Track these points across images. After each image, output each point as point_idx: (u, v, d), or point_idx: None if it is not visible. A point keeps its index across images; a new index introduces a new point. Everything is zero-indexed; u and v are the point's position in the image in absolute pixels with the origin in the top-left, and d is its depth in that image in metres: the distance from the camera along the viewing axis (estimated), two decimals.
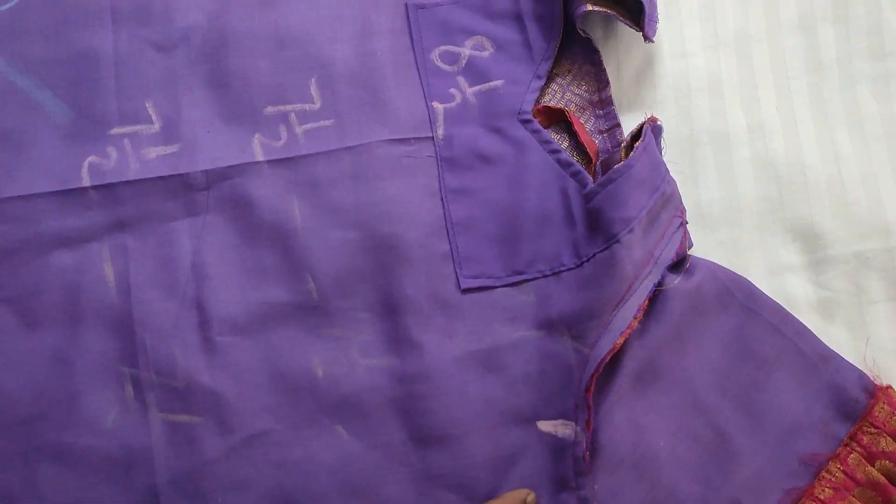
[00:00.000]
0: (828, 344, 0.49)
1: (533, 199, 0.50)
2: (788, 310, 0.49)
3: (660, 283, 0.48)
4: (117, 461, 0.46)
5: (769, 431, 0.48)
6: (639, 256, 0.47)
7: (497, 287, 0.49)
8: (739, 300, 0.49)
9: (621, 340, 0.46)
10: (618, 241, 0.46)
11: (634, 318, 0.46)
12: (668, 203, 0.49)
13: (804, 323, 0.49)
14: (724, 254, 0.51)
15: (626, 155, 0.48)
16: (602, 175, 0.48)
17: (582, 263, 0.48)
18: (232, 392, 0.47)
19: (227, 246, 0.49)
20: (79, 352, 0.47)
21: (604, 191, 0.47)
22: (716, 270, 0.50)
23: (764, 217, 0.52)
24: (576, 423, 0.47)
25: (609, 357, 0.46)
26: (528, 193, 0.50)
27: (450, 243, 0.50)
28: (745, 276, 0.50)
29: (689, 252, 0.50)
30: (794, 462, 0.47)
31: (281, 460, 0.47)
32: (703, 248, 0.52)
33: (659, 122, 0.49)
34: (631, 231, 0.46)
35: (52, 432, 0.46)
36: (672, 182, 0.49)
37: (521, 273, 0.49)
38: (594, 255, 0.47)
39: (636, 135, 0.49)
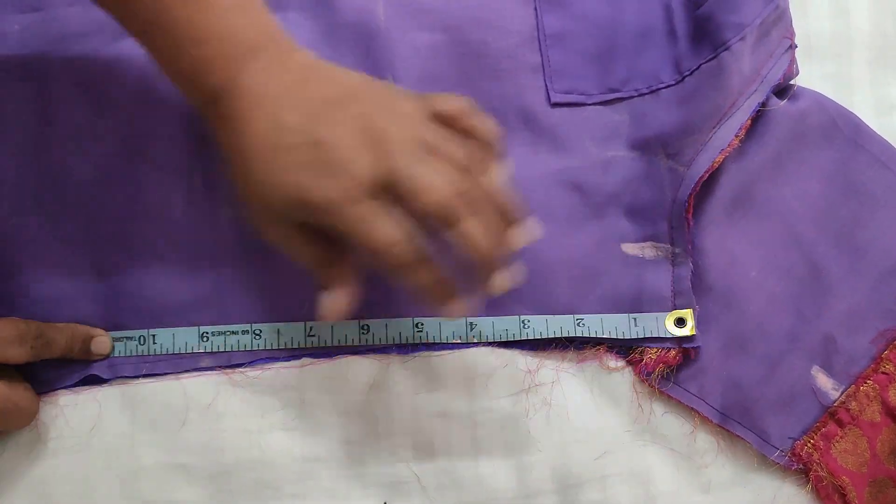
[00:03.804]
0: None
1: (632, 13, 0.47)
2: None
3: (763, 104, 0.45)
4: (184, 253, 0.45)
5: (868, 269, 0.45)
6: (747, 70, 0.44)
7: (589, 104, 0.47)
8: (845, 133, 0.47)
9: (720, 158, 0.44)
10: (727, 49, 0.43)
11: (736, 136, 0.44)
12: (779, 20, 0.45)
13: None
14: (830, 88, 0.48)
15: None
16: None
17: (683, 79, 0.45)
18: None
19: (308, 45, 0.46)
20: (149, 140, 0.46)
21: None
22: (823, 101, 0.47)
23: (876, 52, 0.49)
24: (672, 245, 0.45)
25: (706, 176, 0.44)
26: (627, 7, 0.47)
27: (541, 55, 0.47)
28: (851, 111, 0.47)
29: (794, 81, 0.47)
30: (892, 302, 0.45)
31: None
32: (809, 81, 0.48)
33: None
34: (742, 39, 0.43)
35: (118, 220, 0.45)
36: None
37: (615, 91, 0.47)
38: (699, 66, 0.44)
39: None
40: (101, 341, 0.44)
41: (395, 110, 0.38)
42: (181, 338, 0.45)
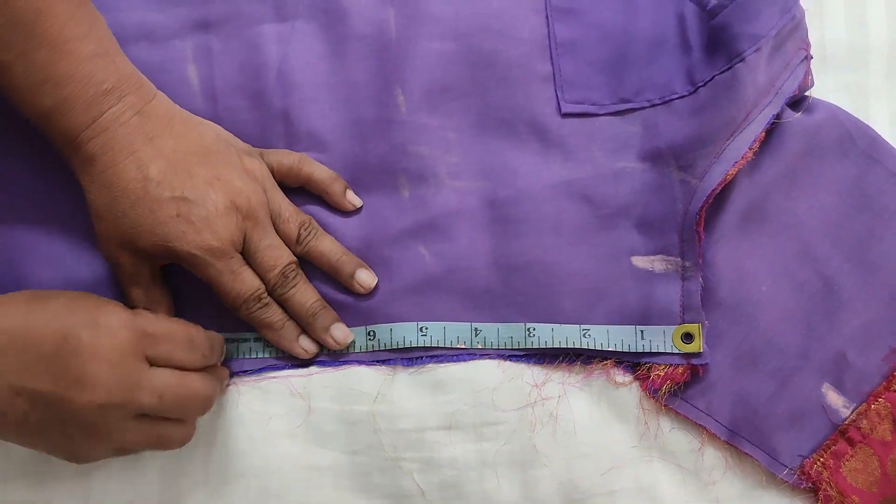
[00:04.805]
0: None
1: (645, 23, 0.46)
2: None
3: (778, 117, 0.44)
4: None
5: (882, 285, 0.45)
6: (761, 82, 0.44)
7: (601, 115, 0.46)
8: (860, 147, 0.46)
9: (734, 171, 0.43)
10: (742, 60, 0.43)
11: (750, 148, 0.43)
12: (795, 31, 0.45)
13: None
14: (846, 99, 0.48)
15: None
16: None
17: (696, 90, 0.44)
18: (317, 208, 0.46)
19: (316, 56, 0.46)
20: None
21: (734, 3, 0.43)
22: (838, 113, 0.46)
23: (894, 63, 0.48)
24: (683, 259, 0.44)
25: (719, 189, 0.43)
26: (639, 17, 0.46)
27: (552, 65, 0.46)
28: (867, 124, 0.46)
29: (809, 92, 0.46)
30: None
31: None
32: (824, 90, 0.48)
33: None
34: (758, 50, 0.43)
35: None
36: (802, 9, 0.45)
37: (627, 101, 0.46)
38: (713, 77, 0.44)
39: None
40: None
41: (245, 170, 0.43)
42: None
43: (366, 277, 0.45)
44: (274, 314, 0.43)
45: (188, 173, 0.41)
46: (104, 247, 0.42)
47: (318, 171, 0.45)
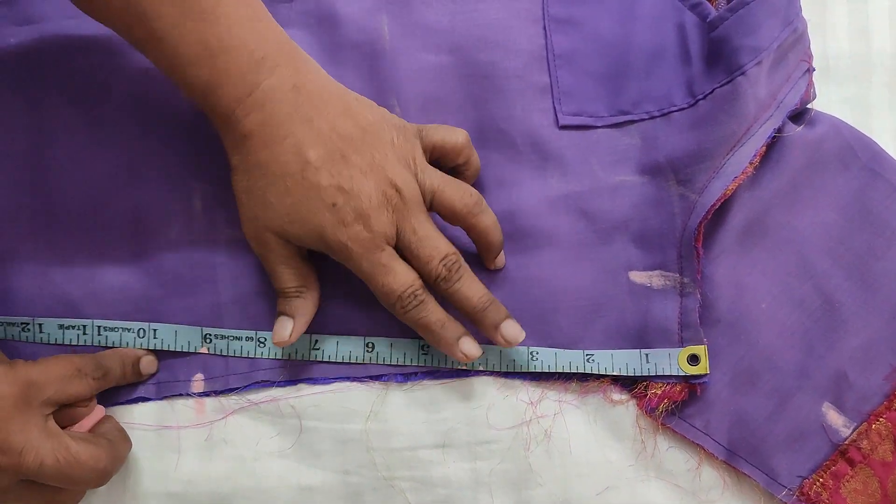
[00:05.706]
0: None
1: (644, 33, 0.45)
2: None
3: (779, 130, 0.44)
4: (181, 276, 0.44)
5: (883, 303, 0.44)
6: (762, 95, 0.43)
7: (599, 127, 0.45)
8: (862, 160, 0.45)
9: (734, 186, 0.42)
10: (743, 74, 0.42)
11: (750, 163, 0.42)
12: (797, 43, 0.44)
13: None
14: (848, 111, 0.47)
15: None
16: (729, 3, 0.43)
17: (696, 102, 0.44)
18: None
19: None
20: (147, 162, 0.45)
21: (734, 16, 0.42)
22: (840, 126, 0.45)
23: None
24: (681, 275, 0.43)
25: (719, 204, 0.42)
26: (639, 27, 0.45)
27: (550, 76, 0.46)
28: (869, 137, 0.45)
29: (811, 105, 0.46)
30: None
31: (350, 292, 0.44)
32: (826, 103, 0.47)
33: None
34: (759, 64, 0.42)
35: (118, 240, 0.44)
36: (804, 21, 0.44)
37: (626, 113, 0.45)
38: (713, 90, 0.43)
39: None
40: (149, 360, 0.43)
41: (404, 155, 0.40)
42: (183, 336, 0.44)
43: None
44: (432, 312, 0.40)
45: (345, 160, 0.39)
46: (251, 226, 0.40)
47: (475, 158, 0.44)
